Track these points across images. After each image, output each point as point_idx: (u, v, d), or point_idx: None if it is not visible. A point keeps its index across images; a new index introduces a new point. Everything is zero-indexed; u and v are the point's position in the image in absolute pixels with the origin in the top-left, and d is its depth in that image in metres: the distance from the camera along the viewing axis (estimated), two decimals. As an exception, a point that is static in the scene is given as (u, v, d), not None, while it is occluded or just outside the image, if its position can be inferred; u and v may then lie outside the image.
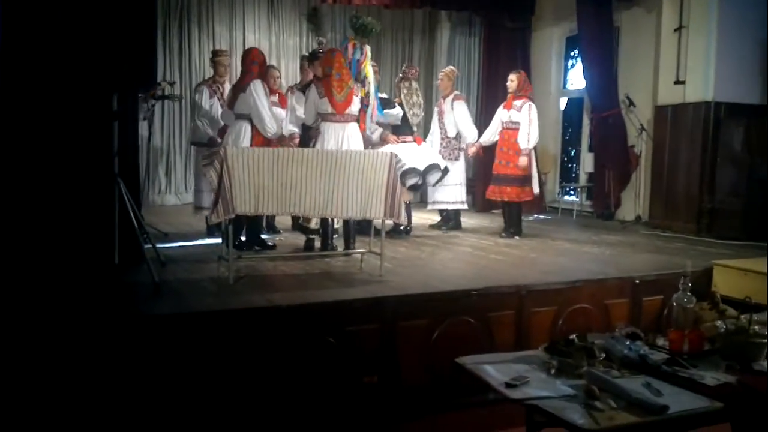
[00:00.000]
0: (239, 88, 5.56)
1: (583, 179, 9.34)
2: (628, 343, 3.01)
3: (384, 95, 7.03)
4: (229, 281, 4.38)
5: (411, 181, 6.32)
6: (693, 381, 2.75)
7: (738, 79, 7.06)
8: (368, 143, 6.13)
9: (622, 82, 8.39)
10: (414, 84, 6.94)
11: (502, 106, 6.92)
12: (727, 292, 4.26)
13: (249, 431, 3.67)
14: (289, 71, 9.70)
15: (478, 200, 9.04)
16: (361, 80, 5.90)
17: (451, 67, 7.77)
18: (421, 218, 7.80)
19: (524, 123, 6.60)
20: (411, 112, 6.81)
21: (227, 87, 6.52)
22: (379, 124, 6.43)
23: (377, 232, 5.15)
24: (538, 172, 8.44)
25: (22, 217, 4.23)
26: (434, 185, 6.76)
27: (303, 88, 6.28)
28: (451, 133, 7.18)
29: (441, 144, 7.22)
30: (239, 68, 9.34)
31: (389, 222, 5.41)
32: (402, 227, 6.64)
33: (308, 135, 5.97)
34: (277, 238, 6.32)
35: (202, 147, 6.44)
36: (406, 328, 4.06)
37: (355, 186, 4.59)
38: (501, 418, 3.63)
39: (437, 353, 4.06)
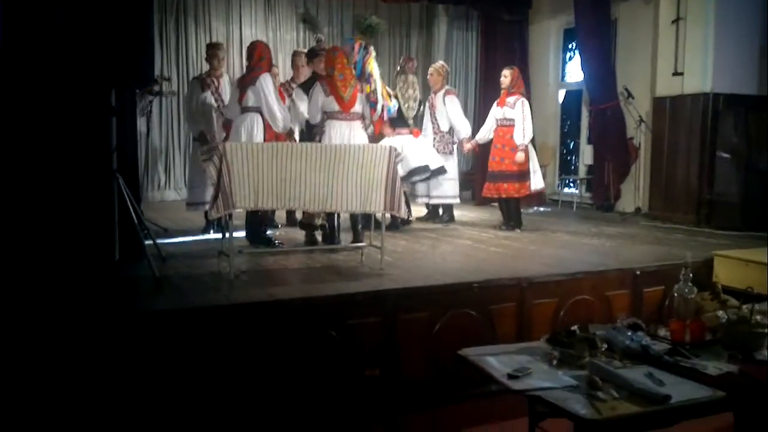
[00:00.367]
0: (247, 82, 5.50)
1: (582, 171, 9.35)
2: (629, 333, 3.02)
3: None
4: (230, 276, 4.38)
5: (419, 177, 6.40)
6: (695, 371, 2.76)
7: (736, 70, 7.06)
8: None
9: (620, 74, 8.39)
10: (411, 77, 6.92)
11: (495, 104, 6.93)
12: (729, 282, 4.27)
13: (251, 425, 3.67)
14: (286, 66, 9.61)
15: (478, 193, 9.03)
16: (366, 78, 5.88)
17: (441, 62, 7.76)
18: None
19: (518, 119, 6.61)
20: (406, 105, 6.80)
21: (224, 81, 6.49)
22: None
23: (377, 225, 5.15)
24: (539, 165, 8.43)
25: (22, 214, 4.23)
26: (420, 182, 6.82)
27: (303, 84, 6.23)
28: (444, 128, 7.18)
29: (434, 139, 7.22)
30: (236, 62, 9.54)
31: (387, 215, 5.42)
32: (400, 220, 6.63)
33: (312, 132, 5.93)
34: (277, 233, 6.31)
35: (197, 142, 6.40)
36: (408, 321, 4.07)
37: (354, 180, 4.59)
38: (503, 409, 3.65)
39: (439, 346, 4.07)
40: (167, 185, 9.47)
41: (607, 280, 4.75)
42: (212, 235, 6.03)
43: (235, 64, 9.58)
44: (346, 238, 5.74)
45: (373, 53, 6.06)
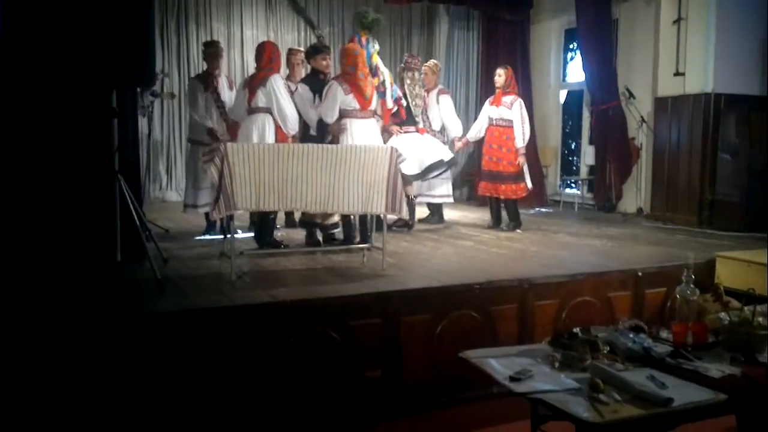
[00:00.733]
0: (257, 82, 5.48)
1: (584, 172, 9.35)
2: (631, 335, 3.01)
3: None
4: (231, 277, 4.38)
5: (434, 173, 6.42)
6: (697, 373, 2.74)
7: (737, 70, 7.06)
8: None
9: (622, 75, 8.39)
10: (417, 74, 6.91)
11: (489, 102, 6.94)
12: (731, 283, 4.25)
13: (253, 426, 3.67)
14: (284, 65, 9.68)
15: (478, 194, 9.01)
16: (374, 71, 5.92)
17: (434, 60, 7.75)
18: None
19: (517, 121, 6.62)
20: (414, 103, 6.80)
21: (221, 80, 6.44)
22: None
23: (379, 227, 5.15)
24: (541, 165, 8.46)
25: (23, 215, 4.23)
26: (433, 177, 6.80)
27: (305, 81, 6.19)
28: (436, 127, 7.14)
29: None
30: (237, 63, 9.54)
31: (391, 216, 5.41)
32: (402, 223, 6.64)
33: (325, 130, 5.90)
34: (279, 234, 6.30)
35: (199, 145, 6.31)
36: (409, 323, 4.06)
37: (356, 181, 4.58)
38: (505, 411, 3.64)
39: (440, 348, 4.07)
40: (169, 186, 9.48)
41: (609, 281, 4.74)
42: (211, 236, 6.02)
43: (236, 64, 9.58)
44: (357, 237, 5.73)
45: (377, 47, 6.11)
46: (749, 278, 4.47)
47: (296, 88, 6.07)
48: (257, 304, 3.83)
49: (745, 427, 3.02)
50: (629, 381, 2.59)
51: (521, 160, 6.61)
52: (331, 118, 5.67)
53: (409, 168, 6.12)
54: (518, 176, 6.69)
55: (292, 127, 5.55)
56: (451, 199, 7.47)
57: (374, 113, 5.81)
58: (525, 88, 9.32)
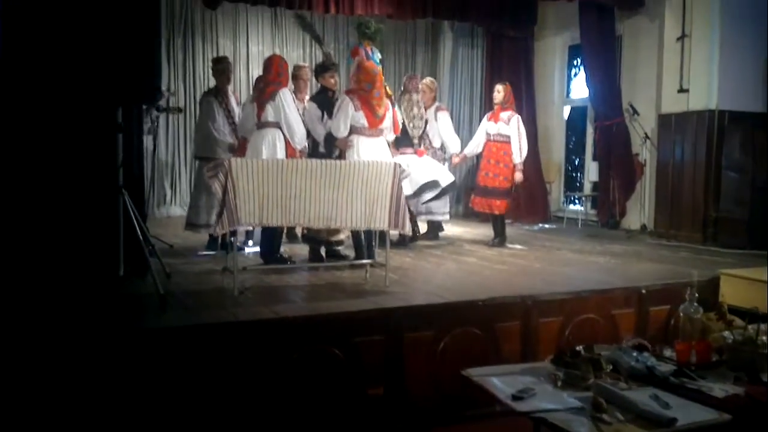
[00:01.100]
0: (266, 97, 5.48)
1: (587, 188, 9.33)
2: (635, 354, 3.00)
3: None
4: (234, 293, 4.38)
5: (428, 195, 6.39)
6: (701, 393, 2.74)
7: (741, 87, 7.06)
8: None
9: (625, 91, 8.40)
10: (415, 96, 6.93)
11: (487, 118, 6.99)
12: (735, 301, 4.25)
13: (255, 444, 3.66)
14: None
15: (472, 209, 9.00)
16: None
17: (431, 78, 7.77)
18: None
19: (514, 137, 6.66)
20: (411, 125, 6.82)
21: (230, 97, 6.47)
22: None
23: (382, 242, 5.15)
24: (544, 181, 8.46)
25: (27, 230, 4.25)
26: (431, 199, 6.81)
27: (315, 98, 6.24)
28: (436, 144, 7.14)
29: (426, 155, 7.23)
30: (242, 78, 9.59)
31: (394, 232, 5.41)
32: (408, 237, 6.63)
33: (332, 145, 5.88)
34: (283, 249, 6.31)
35: (206, 161, 6.30)
36: (412, 340, 4.05)
37: (359, 196, 4.59)
38: (508, 430, 3.61)
39: (443, 365, 4.05)
40: (173, 201, 9.49)
41: (613, 298, 4.72)
42: (212, 252, 6.02)
43: (241, 80, 9.63)
44: (351, 254, 5.74)
45: (380, 55, 6.17)
46: (753, 296, 4.44)
47: (304, 106, 6.11)
48: (260, 320, 3.82)
49: (750, 447, 2.99)
50: (632, 400, 2.58)
51: (518, 175, 6.64)
52: (340, 132, 5.69)
53: (404, 189, 6.12)
54: (510, 192, 6.75)
55: (300, 141, 5.55)
56: (447, 217, 7.44)
57: (383, 132, 5.80)
58: (529, 104, 9.35)
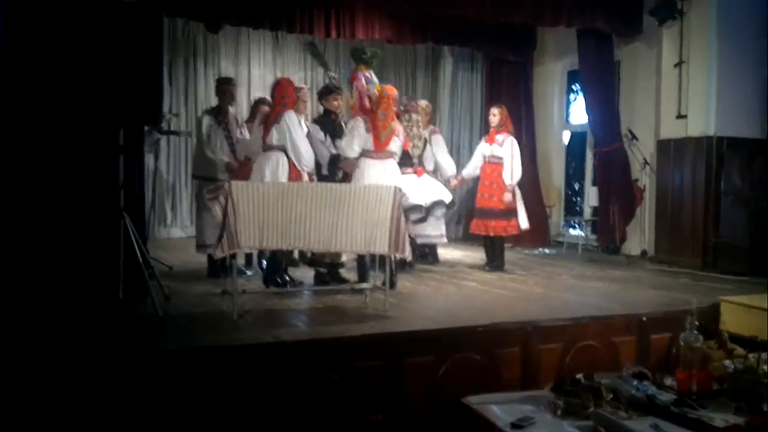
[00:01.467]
0: (272, 119, 5.50)
1: (587, 213, 9.35)
2: (635, 383, 2.99)
3: None
4: (233, 316, 4.36)
5: (414, 217, 6.34)
6: (701, 422, 2.72)
7: (739, 114, 7.10)
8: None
9: (624, 116, 8.44)
10: (414, 116, 6.97)
11: (483, 140, 7.06)
12: (736, 329, 4.23)
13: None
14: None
15: (471, 232, 8.99)
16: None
17: (425, 101, 7.82)
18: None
19: (507, 159, 6.70)
20: (411, 144, 6.86)
21: (231, 117, 6.47)
22: None
23: (381, 266, 5.14)
24: (544, 206, 8.44)
25: (27, 251, 4.24)
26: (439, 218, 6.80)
27: (318, 121, 6.27)
28: (429, 167, 7.18)
29: None
30: (244, 101, 9.63)
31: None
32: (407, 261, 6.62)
33: (336, 168, 5.90)
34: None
35: (205, 181, 6.30)
36: (412, 365, 4.03)
37: (359, 220, 4.60)
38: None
39: (443, 390, 4.02)
40: (174, 223, 9.50)
41: (614, 325, 4.70)
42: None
43: (243, 102, 9.68)
44: (351, 277, 5.73)
45: (376, 80, 6.24)
46: (754, 323, 4.43)
47: (307, 129, 6.15)
48: (259, 344, 3.81)
49: (751, 477, 2.97)
50: (632, 430, 2.56)
51: (507, 196, 6.66)
52: (353, 152, 5.75)
53: None
54: (509, 213, 6.74)
55: (307, 163, 5.52)
56: (444, 240, 7.42)
57: (392, 155, 5.87)
58: (528, 129, 9.40)
